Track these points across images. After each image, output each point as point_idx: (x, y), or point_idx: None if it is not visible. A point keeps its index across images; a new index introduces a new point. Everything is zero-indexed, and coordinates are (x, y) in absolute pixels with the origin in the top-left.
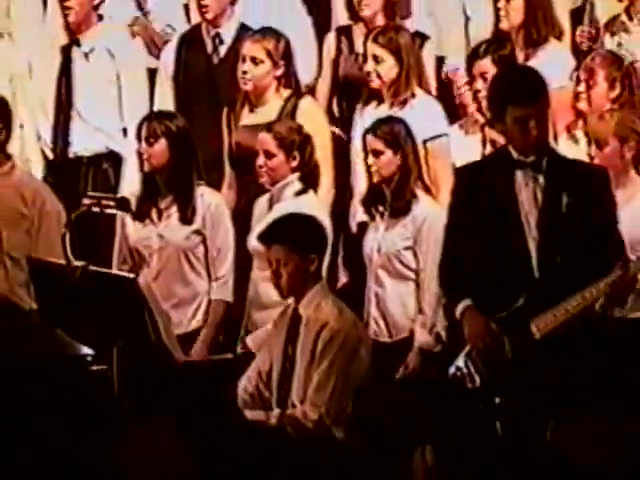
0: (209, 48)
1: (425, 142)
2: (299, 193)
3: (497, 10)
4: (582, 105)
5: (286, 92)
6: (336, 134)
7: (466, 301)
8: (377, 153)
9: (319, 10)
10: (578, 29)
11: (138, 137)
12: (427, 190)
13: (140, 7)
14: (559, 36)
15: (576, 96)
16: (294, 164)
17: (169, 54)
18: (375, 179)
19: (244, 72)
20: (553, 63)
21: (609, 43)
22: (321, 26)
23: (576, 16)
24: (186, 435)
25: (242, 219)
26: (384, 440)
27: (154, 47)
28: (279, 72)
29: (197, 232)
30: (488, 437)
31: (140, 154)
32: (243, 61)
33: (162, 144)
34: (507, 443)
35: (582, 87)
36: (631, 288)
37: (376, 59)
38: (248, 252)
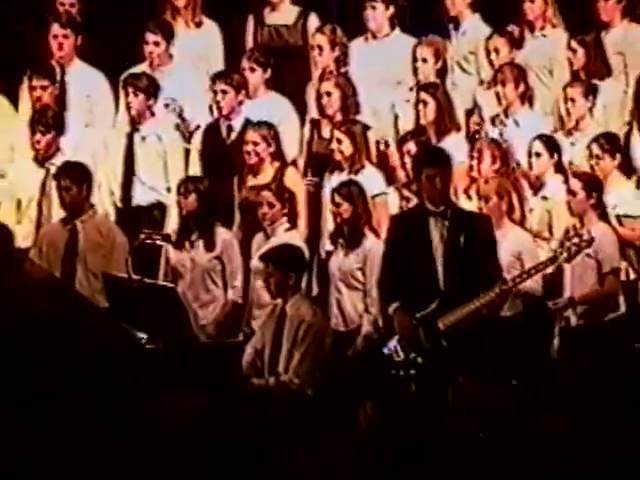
0: (224, 134)
1: (373, 197)
2: (287, 229)
3: (417, 111)
4: (474, 174)
5: (277, 164)
6: (310, 191)
7: (396, 303)
8: (339, 205)
9: (300, 108)
10: (471, 122)
11: (178, 193)
12: (372, 230)
13: (180, 116)
14: (458, 129)
15: (470, 168)
16: (285, 211)
17: (197, 139)
18: (338, 221)
19: (248, 152)
20: (455, 146)
21: (492, 132)
22: (302, 119)
23: (469, 114)
24: (207, 393)
25: (245, 248)
26: (339, 396)
27: (187, 134)
28: (271, 149)
29: (216, 257)
30: (406, 394)
31: (179, 204)
32: (247, 144)
33: (193, 197)
34: (419, 397)
35: (474, 162)
36: (505, 299)
37: (338, 141)
38: (249, 270)
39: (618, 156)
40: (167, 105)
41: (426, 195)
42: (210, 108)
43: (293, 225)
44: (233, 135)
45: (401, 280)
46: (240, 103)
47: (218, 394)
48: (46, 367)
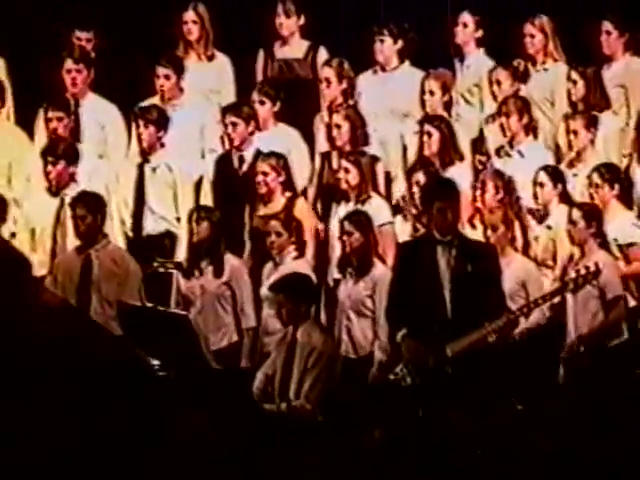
0: (236, 165)
1: (379, 227)
2: (295, 258)
3: (422, 143)
4: (478, 204)
5: (288, 194)
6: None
7: (403, 330)
8: (350, 233)
9: (309, 140)
10: (477, 156)
11: (189, 220)
12: (380, 258)
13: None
14: (461, 159)
15: (474, 198)
16: (292, 240)
17: (209, 168)
18: (347, 250)
19: (258, 182)
20: (458, 176)
21: (497, 163)
22: (312, 151)
23: (475, 145)
24: (219, 416)
25: (255, 276)
26: (351, 422)
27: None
28: (281, 179)
29: (225, 284)
30: (413, 417)
31: (191, 231)
32: (257, 175)
33: (205, 225)
34: (427, 421)
35: (478, 192)
36: (512, 329)
37: (346, 171)
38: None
39: (617, 186)
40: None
41: (436, 226)
42: (222, 139)
43: (301, 254)
44: (245, 166)
45: (409, 307)
46: (251, 134)
47: (229, 419)
48: (60, 394)
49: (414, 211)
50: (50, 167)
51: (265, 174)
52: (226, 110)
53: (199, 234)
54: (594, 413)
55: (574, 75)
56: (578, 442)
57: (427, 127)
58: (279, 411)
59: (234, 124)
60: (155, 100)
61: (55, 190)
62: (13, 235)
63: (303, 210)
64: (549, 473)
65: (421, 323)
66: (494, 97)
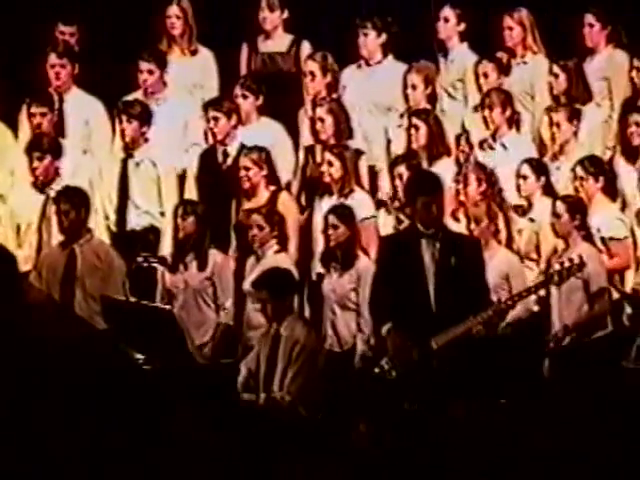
0: (220, 159)
1: (361, 221)
2: (277, 252)
3: (409, 136)
4: (461, 197)
5: (272, 187)
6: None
7: (388, 324)
8: (335, 227)
9: (293, 133)
10: (459, 148)
11: (175, 215)
12: (363, 251)
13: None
14: (449, 154)
15: (457, 192)
16: (274, 234)
17: (193, 164)
18: (332, 244)
19: (241, 177)
20: (445, 170)
21: (480, 156)
22: (296, 145)
23: (458, 139)
24: (204, 409)
25: (240, 270)
26: (334, 415)
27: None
28: (264, 173)
29: (208, 278)
30: (399, 411)
31: (176, 226)
32: (240, 170)
33: (191, 220)
34: (412, 414)
35: (461, 186)
36: (499, 321)
37: (329, 164)
38: (243, 291)
39: (601, 179)
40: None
41: (420, 220)
42: (205, 134)
43: (283, 247)
44: (229, 160)
45: (393, 300)
46: (234, 128)
47: (214, 413)
48: (45, 389)
49: (397, 204)
50: (36, 162)
51: (247, 169)
52: (207, 105)
53: (185, 229)
54: (579, 406)
55: (555, 69)
56: (564, 435)
57: (414, 120)
58: (258, 402)
59: (215, 119)
60: (138, 95)
61: (41, 185)
62: None
63: (287, 204)
64: (533, 465)
65: (405, 317)
66: (480, 90)
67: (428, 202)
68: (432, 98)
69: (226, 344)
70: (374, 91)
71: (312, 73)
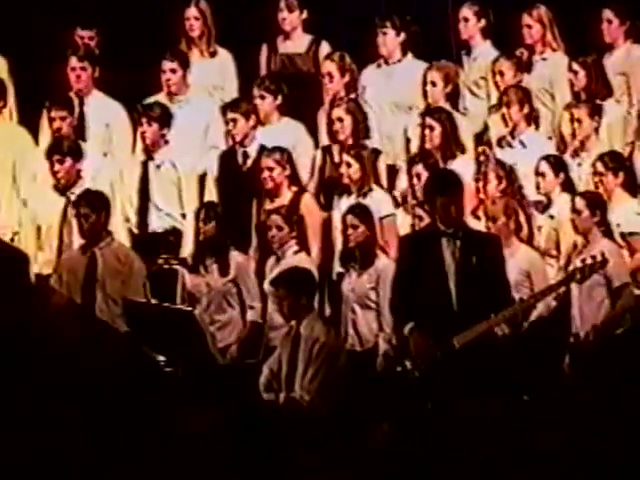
0: (240, 161)
1: (380, 219)
2: (296, 252)
3: (423, 136)
4: (481, 195)
5: (295, 188)
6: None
7: (411, 324)
8: (355, 227)
9: (314, 133)
10: (479, 148)
11: (197, 218)
12: (383, 250)
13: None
14: (463, 152)
15: (477, 190)
16: (294, 234)
17: (213, 165)
18: (351, 244)
19: (264, 178)
20: (461, 168)
21: (499, 153)
22: (317, 145)
23: (479, 137)
24: (227, 411)
25: (261, 271)
26: (356, 415)
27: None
28: (287, 173)
29: (231, 281)
30: (422, 410)
31: (198, 229)
32: (262, 171)
33: (213, 224)
34: (435, 415)
35: (481, 184)
36: (521, 319)
37: (348, 165)
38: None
39: (621, 174)
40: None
41: (440, 219)
42: (226, 136)
43: (302, 248)
44: (249, 162)
45: (415, 299)
46: (253, 129)
47: (235, 414)
48: (68, 391)
49: (414, 202)
50: (58, 165)
51: (270, 169)
52: (225, 107)
53: (206, 233)
54: (600, 402)
55: (575, 66)
56: (585, 432)
57: (429, 120)
58: (277, 401)
59: (234, 120)
60: (161, 96)
61: (62, 188)
62: (15, 235)
63: (309, 205)
64: (556, 463)
65: (427, 316)
66: (497, 88)
67: (447, 203)
68: (452, 96)
69: (253, 344)
70: (394, 90)
71: (330, 74)
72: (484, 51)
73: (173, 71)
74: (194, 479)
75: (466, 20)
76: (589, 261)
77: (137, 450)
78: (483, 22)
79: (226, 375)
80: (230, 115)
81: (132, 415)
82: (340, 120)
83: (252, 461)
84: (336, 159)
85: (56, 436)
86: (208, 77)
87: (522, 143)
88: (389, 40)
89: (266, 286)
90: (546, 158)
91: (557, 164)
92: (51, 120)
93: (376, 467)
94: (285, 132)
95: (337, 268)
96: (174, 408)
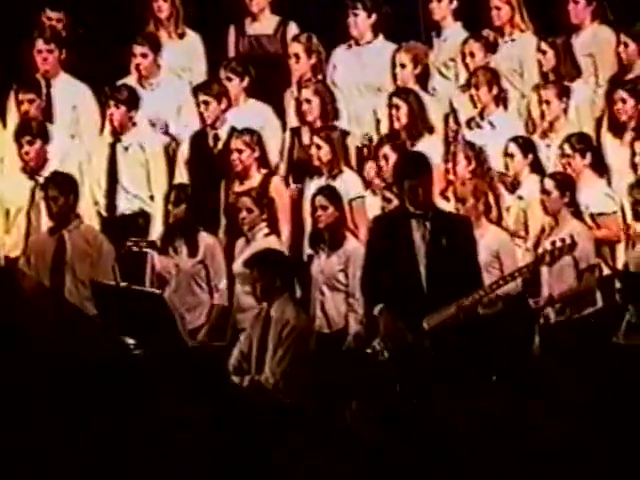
0: (211, 143)
1: (350, 201)
2: (267, 235)
3: (390, 116)
4: (450, 176)
5: (264, 170)
6: (293, 197)
7: (380, 305)
8: (324, 208)
9: (281, 115)
10: (449, 128)
11: (167, 201)
12: (352, 232)
13: (167, 132)
14: (430, 131)
15: (446, 170)
16: (264, 217)
17: (184, 146)
18: (321, 226)
19: (234, 160)
20: (430, 149)
21: (468, 134)
22: (284, 127)
23: (447, 118)
24: (194, 391)
25: (230, 253)
26: (325, 396)
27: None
28: (256, 155)
29: (200, 262)
30: (391, 392)
31: (168, 212)
32: (232, 152)
33: (183, 207)
34: (403, 395)
35: (450, 165)
36: (488, 300)
37: (317, 147)
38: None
39: (589, 155)
40: (153, 124)
41: (409, 201)
42: (200, 116)
43: (273, 230)
44: (220, 144)
45: (385, 281)
46: (224, 111)
47: (205, 397)
48: (37, 373)
49: (382, 184)
50: (27, 146)
51: (240, 151)
52: (197, 89)
53: (176, 215)
54: (569, 383)
55: (544, 46)
56: (555, 413)
57: (395, 100)
58: (242, 384)
59: (206, 102)
60: (132, 79)
61: (30, 171)
62: None
63: (279, 187)
64: (523, 444)
65: (397, 297)
66: (467, 68)
67: (414, 185)
68: (421, 78)
69: (221, 326)
70: (364, 71)
71: (297, 55)
72: (454, 32)
73: (144, 55)
74: (168, 463)
75: (439, 1)
76: (558, 244)
77: (106, 435)
78: (455, 3)
79: (196, 357)
80: (202, 97)
81: (102, 399)
82: (308, 101)
83: (225, 446)
84: (305, 141)
85: (24, 422)
86: (176, 59)
87: (491, 124)
88: (360, 21)
89: (236, 268)
90: (514, 139)
91: (525, 145)
92: (19, 103)
93: (347, 447)
94: (252, 114)
95: (308, 250)
96: (144, 392)
